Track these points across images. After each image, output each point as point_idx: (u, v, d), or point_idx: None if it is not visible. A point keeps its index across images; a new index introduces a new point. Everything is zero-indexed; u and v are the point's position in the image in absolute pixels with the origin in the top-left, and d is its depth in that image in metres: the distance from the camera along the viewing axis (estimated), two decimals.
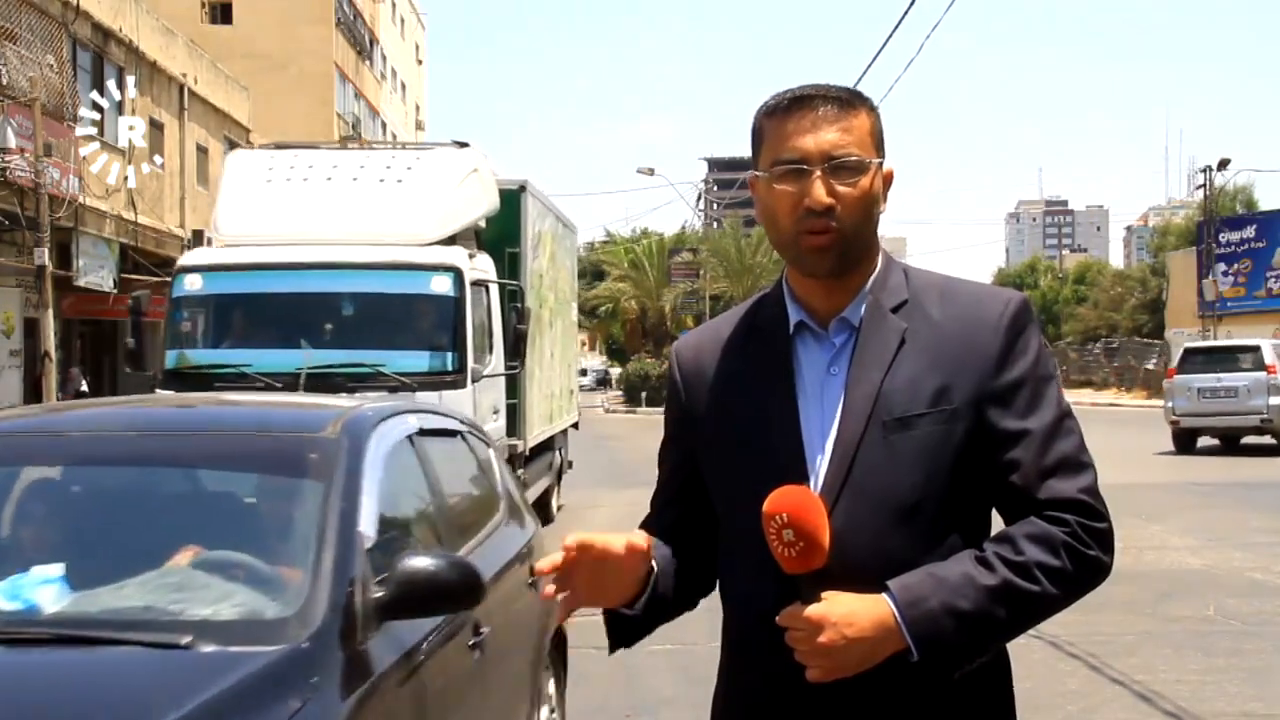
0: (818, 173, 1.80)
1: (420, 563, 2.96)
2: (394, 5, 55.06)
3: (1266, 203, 48.93)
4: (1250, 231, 42.63)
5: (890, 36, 16.61)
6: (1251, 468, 18.50)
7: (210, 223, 10.91)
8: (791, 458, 1.83)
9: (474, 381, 9.22)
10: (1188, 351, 22.26)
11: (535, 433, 11.95)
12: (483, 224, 10.92)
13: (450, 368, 9.17)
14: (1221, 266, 42.05)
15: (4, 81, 19.33)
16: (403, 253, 9.48)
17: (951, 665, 1.76)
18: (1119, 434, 23.58)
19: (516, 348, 9.95)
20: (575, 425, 16.08)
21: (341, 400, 4.29)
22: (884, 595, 1.73)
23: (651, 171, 44.49)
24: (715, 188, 62.07)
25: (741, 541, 1.87)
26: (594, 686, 6.81)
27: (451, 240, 9.90)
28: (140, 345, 9.84)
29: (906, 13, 15.82)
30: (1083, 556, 1.77)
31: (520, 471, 10.87)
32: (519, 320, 9.88)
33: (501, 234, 11.34)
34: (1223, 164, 42.72)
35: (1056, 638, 7.23)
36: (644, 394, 42.97)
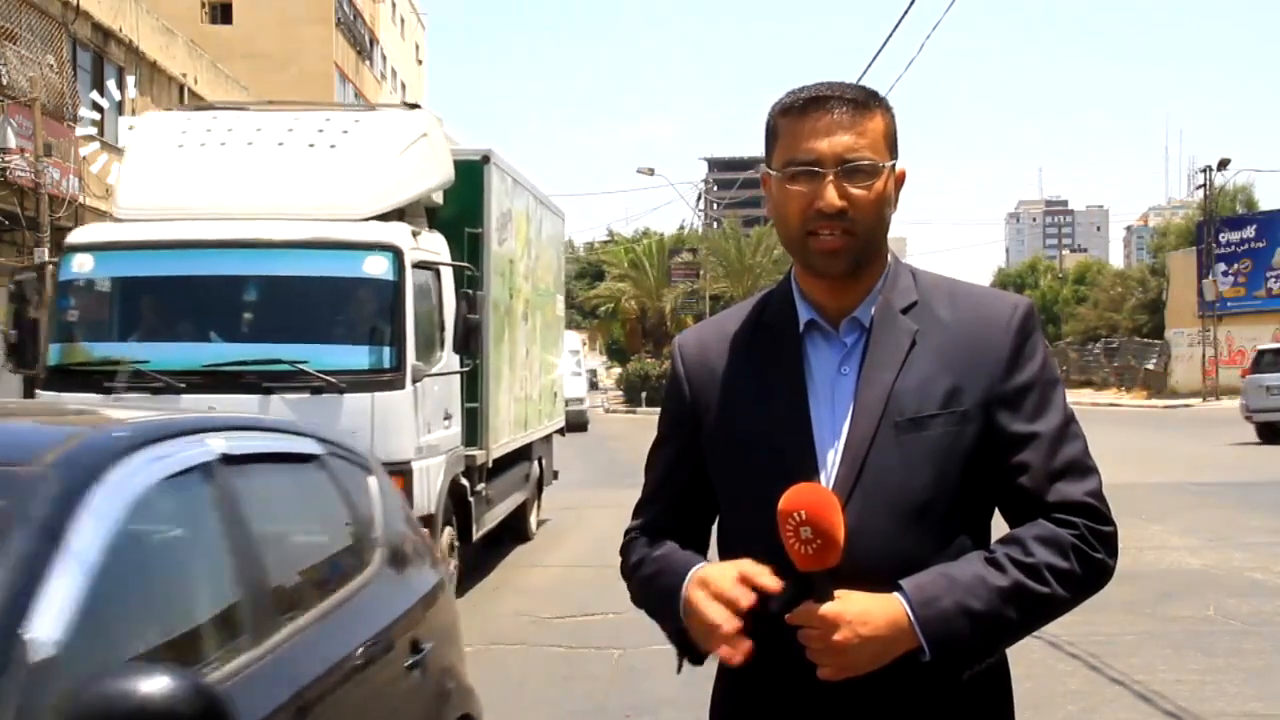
0: (830, 176, 1.81)
1: (125, 690, 1.81)
2: (394, 5, 55.08)
3: (1266, 203, 48.90)
4: (1250, 231, 42.68)
5: (890, 36, 16.65)
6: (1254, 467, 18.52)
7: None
8: (802, 457, 1.83)
9: (415, 381, 7.95)
10: (1260, 353, 25.04)
11: (502, 441, 10.48)
12: (438, 200, 9.54)
13: (386, 364, 7.89)
14: (1221, 266, 42.07)
15: (4, 81, 19.32)
16: (331, 229, 8.10)
17: (962, 665, 1.77)
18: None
19: (467, 341, 8.56)
20: (561, 431, 14.49)
21: (101, 414, 3.11)
22: (897, 594, 1.74)
23: (651, 171, 44.53)
24: (715, 188, 62.05)
25: (747, 539, 1.87)
26: (594, 686, 6.82)
27: (395, 216, 8.55)
28: (24, 338, 8.22)
29: (906, 12, 15.87)
30: (1090, 559, 1.79)
31: (481, 486, 9.79)
32: (469, 309, 8.46)
33: (461, 212, 9.73)
34: (1223, 164, 42.76)
35: (1056, 638, 7.23)
36: (644, 394, 42.99)
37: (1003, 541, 1.82)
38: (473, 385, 9.58)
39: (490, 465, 10.12)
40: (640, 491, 2.11)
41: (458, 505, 9.15)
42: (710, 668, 2.01)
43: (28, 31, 20.58)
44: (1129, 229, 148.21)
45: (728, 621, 1.75)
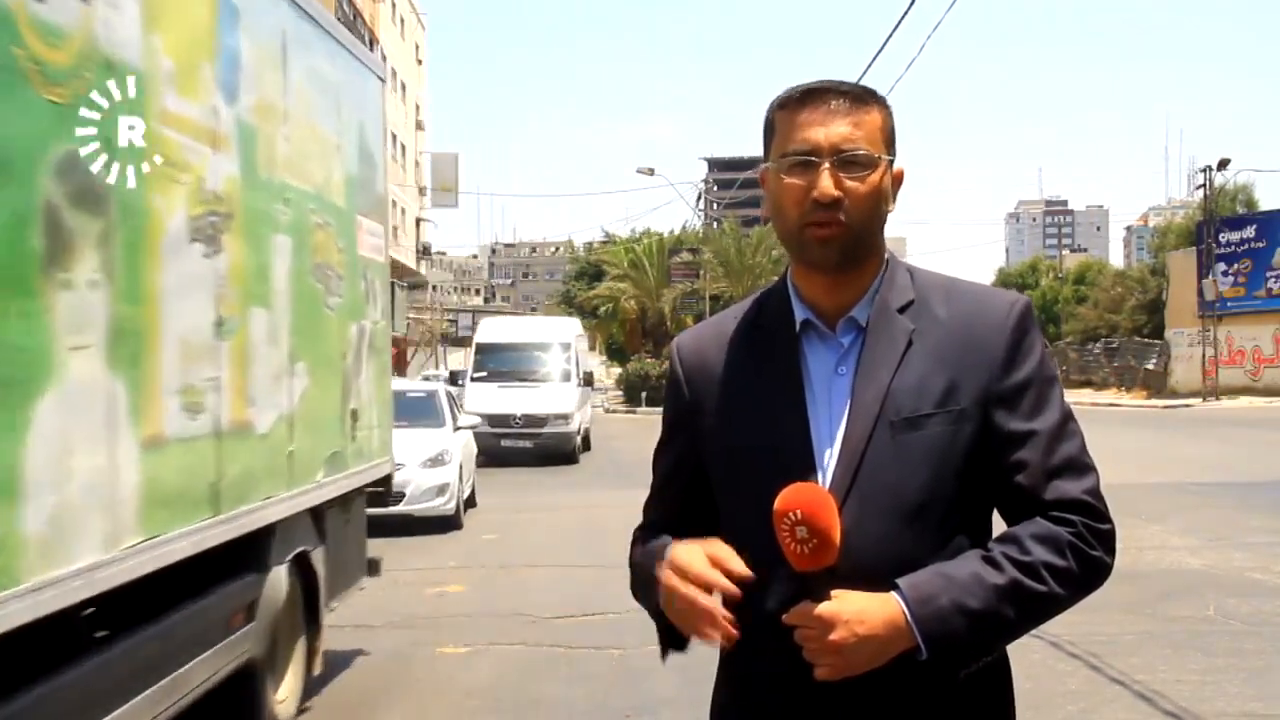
0: (826, 165, 1.81)
1: None
2: (394, 5, 55.08)
3: (1266, 203, 48.86)
4: (1250, 231, 42.68)
5: (890, 36, 16.65)
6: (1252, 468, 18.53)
7: None
8: (799, 457, 1.83)
9: None
10: None
11: (64, 571, 3.36)
12: None
13: None
14: (1221, 266, 42.08)
15: None
16: None
17: (959, 664, 1.76)
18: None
19: None
20: (385, 483, 7.38)
21: None
22: (893, 594, 1.73)
23: (651, 171, 44.50)
24: (715, 188, 62.08)
25: (745, 539, 1.86)
26: (594, 686, 6.82)
27: None
28: None
29: (906, 12, 15.85)
30: (1087, 557, 1.78)
31: None
32: None
33: None
34: (1223, 164, 42.75)
35: (1057, 638, 7.24)
36: (644, 394, 42.98)
37: (1000, 540, 1.81)
38: None
39: None
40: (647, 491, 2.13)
41: None
42: (710, 667, 2.01)
43: None
44: (1129, 229, 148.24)
45: (704, 600, 1.76)
